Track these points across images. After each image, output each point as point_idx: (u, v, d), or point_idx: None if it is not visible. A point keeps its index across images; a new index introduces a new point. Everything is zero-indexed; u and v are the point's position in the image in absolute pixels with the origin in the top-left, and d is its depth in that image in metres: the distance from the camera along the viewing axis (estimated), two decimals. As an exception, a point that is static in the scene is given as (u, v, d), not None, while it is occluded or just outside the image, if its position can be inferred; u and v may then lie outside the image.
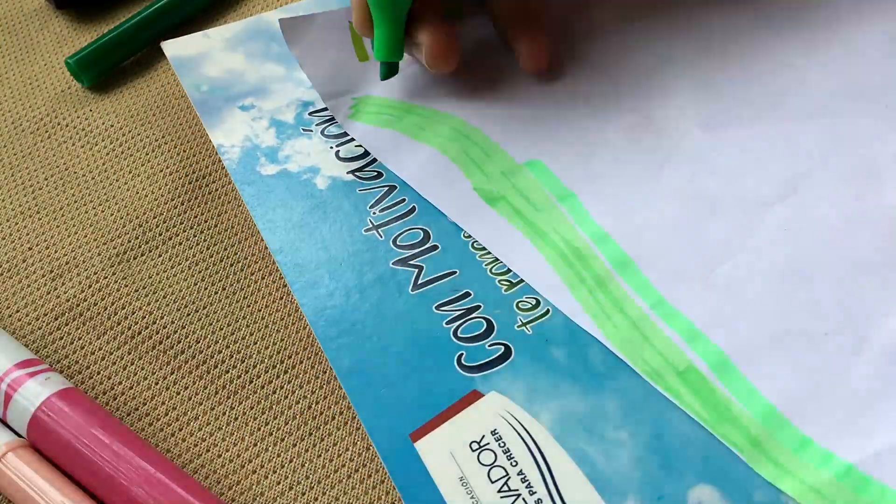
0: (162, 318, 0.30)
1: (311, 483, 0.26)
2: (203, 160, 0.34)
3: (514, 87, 0.33)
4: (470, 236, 0.30)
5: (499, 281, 0.28)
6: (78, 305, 0.30)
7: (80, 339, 0.29)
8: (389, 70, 0.33)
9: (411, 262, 0.29)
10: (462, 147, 0.31)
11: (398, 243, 0.29)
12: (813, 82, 0.32)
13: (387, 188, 0.31)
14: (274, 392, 0.28)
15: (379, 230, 0.30)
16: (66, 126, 0.35)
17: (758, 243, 0.28)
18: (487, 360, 0.27)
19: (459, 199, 0.30)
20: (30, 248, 0.32)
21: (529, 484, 0.24)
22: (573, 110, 0.32)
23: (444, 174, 0.31)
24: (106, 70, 0.36)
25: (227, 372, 0.28)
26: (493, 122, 0.32)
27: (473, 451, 0.25)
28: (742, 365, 0.25)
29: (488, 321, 0.27)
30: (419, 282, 0.28)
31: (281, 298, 0.30)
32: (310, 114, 0.33)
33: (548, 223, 0.29)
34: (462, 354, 0.27)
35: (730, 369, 0.25)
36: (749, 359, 0.26)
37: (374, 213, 0.30)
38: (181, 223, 0.32)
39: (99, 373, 0.29)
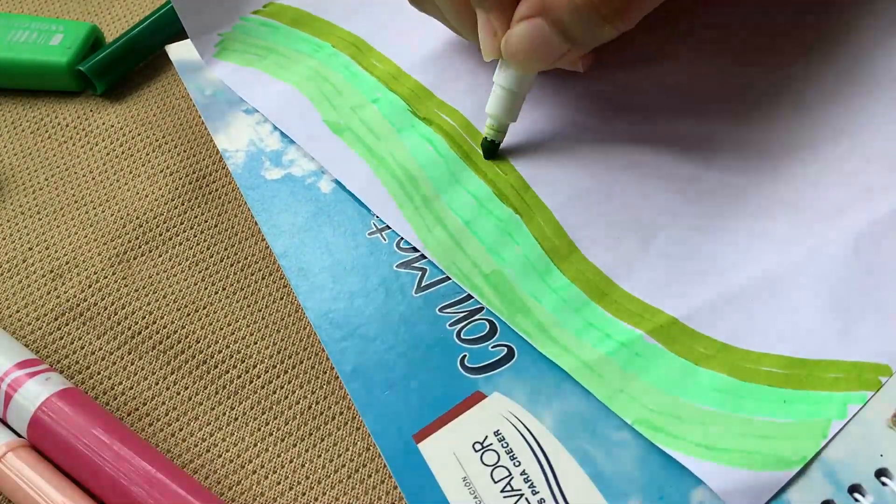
0: (162, 318, 0.30)
1: (311, 483, 0.26)
2: (204, 160, 0.34)
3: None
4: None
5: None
6: (78, 305, 0.30)
7: (80, 339, 0.29)
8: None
9: (415, 265, 0.29)
10: (317, 85, 0.33)
11: (401, 246, 0.29)
12: None
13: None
14: (274, 392, 0.28)
15: (382, 233, 0.30)
16: (66, 126, 0.35)
17: (574, 165, 0.31)
18: (490, 361, 0.27)
19: (309, 129, 0.32)
20: (30, 248, 0.31)
21: (532, 484, 0.24)
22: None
23: (297, 107, 0.33)
24: (120, 77, 0.36)
25: (227, 372, 0.28)
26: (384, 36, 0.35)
27: (476, 451, 0.25)
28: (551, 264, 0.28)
29: (491, 323, 0.27)
30: (422, 284, 0.28)
31: (281, 299, 0.30)
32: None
33: (386, 150, 0.31)
34: (465, 356, 0.27)
35: (530, 274, 0.28)
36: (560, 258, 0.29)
37: (377, 217, 0.30)
38: (181, 223, 0.32)
39: (99, 373, 0.29)
